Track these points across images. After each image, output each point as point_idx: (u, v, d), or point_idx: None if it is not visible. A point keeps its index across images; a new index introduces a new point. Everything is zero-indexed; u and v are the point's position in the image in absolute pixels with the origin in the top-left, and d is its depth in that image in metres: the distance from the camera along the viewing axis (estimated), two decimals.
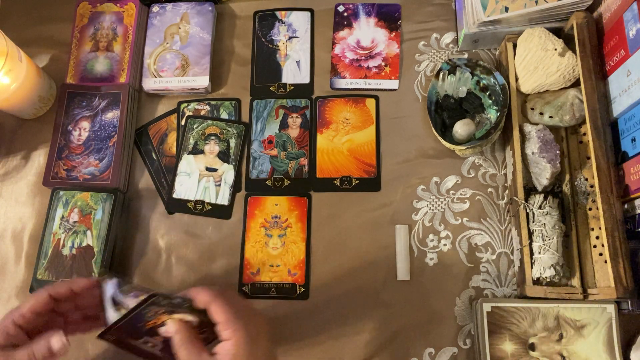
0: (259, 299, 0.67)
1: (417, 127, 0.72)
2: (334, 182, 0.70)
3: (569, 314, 0.60)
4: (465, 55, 0.74)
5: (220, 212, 0.70)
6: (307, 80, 0.75)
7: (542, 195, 0.63)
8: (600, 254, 0.61)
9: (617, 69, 0.62)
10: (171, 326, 0.49)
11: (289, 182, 0.71)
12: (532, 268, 0.61)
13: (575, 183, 0.65)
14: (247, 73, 0.76)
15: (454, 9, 0.76)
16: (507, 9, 0.66)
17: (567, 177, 0.65)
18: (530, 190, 0.65)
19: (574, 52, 0.65)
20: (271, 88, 0.75)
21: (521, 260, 0.63)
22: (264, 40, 0.77)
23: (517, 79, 0.68)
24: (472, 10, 0.68)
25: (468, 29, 0.70)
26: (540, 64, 0.65)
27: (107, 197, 0.69)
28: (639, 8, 0.58)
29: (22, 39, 0.76)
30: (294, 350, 0.64)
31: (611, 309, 0.59)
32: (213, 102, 0.75)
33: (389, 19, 0.77)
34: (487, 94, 0.69)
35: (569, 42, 0.66)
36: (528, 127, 0.65)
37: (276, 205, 0.70)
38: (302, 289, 0.67)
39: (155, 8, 0.78)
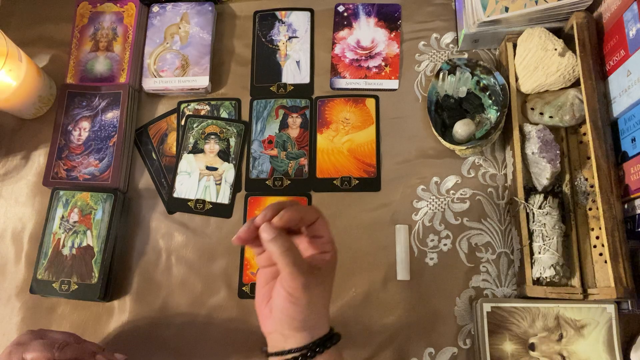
0: None
1: (417, 127, 0.72)
2: (334, 182, 0.70)
3: (569, 314, 0.60)
4: (465, 55, 0.74)
5: (221, 210, 0.70)
6: (307, 80, 0.75)
7: (542, 195, 0.63)
8: (600, 254, 0.61)
9: (617, 69, 0.62)
10: (266, 232, 0.45)
11: (289, 182, 0.71)
12: (532, 268, 0.61)
13: (575, 183, 0.65)
14: (247, 73, 0.76)
15: (454, 9, 0.76)
16: (507, 9, 0.66)
17: (567, 177, 0.65)
18: (530, 190, 0.65)
19: (574, 52, 0.65)
20: (271, 88, 0.75)
21: (521, 260, 0.63)
22: (264, 40, 0.77)
23: (517, 79, 0.68)
24: (472, 10, 0.68)
25: (468, 29, 0.70)
26: (540, 64, 0.65)
27: (107, 197, 0.69)
28: (639, 8, 0.58)
29: (22, 39, 0.77)
30: None
31: (611, 309, 0.59)
32: (213, 102, 0.75)
33: (389, 19, 0.77)
34: (487, 94, 0.69)
35: (569, 42, 0.66)
36: (528, 127, 0.65)
37: None
38: None
39: (155, 8, 0.78)
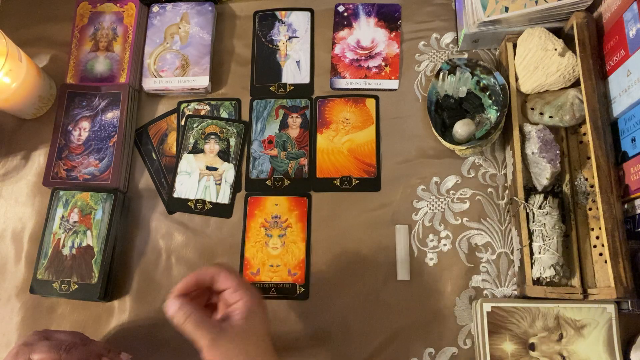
0: None
1: (417, 127, 0.72)
2: (334, 182, 0.70)
3: (569, 314, 0.60)
4: (465, 55, 0.74)
5: (221, 210, 0.70)
6: (307, 80, 0.75)
7: (542, 195, 0.63)
8: (600, 254, 0.61)
9: (617, 69, 0.62)
10: (171, 305, 0.50)
11: (289, 182, 0.71)
12: (532, 268, 0.61)
13: (575, 183, 0.65)
14: (247, 73, 0.76)
15: (454, 9, 0.76)
16: (507, 9, 0.66)
17: (567, 177, 0.65)
18: (530, 190, 0.65)
19: (574, 52, 0.65)
20: (271, 88, 0.75)
21: (521, 260, 0.63)
22: (264, 40, 0.77)
23: (517, 79, 0.68)
24: (472, 10, 0.68)
25: (468, 29, 0.70)
26: (540, 64, 0.65)
27: (107, 197, 0.69)
28: (639, 8, 0.58)
29: (22, 39, 0.77)
30: (294, 351, 0.64)
31: (611, 309, 0.59)
32: (213, 102, 0.75)
33: (389, 19, 0.77)
34: (487, 94, 0.69)
35: (569, 42, 0.66)
36: (528, 127, 0.65)
37: (276, 205, 0.70)
38: (302, 289, 0.67)
39: (155, 8, 0.78)
